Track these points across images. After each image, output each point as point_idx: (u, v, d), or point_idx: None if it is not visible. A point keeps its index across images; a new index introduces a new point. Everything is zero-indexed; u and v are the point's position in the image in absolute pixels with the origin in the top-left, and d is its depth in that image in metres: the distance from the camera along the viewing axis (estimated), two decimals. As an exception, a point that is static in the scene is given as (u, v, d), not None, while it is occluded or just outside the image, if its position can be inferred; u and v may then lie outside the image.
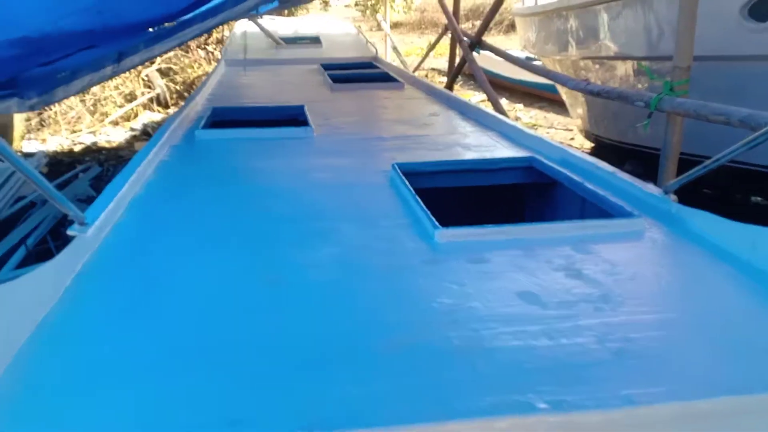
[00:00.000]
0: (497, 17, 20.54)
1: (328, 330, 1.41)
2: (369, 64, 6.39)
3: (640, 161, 5.80)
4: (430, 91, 4.73)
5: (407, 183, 2.34)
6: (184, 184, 2.52)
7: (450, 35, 6.97)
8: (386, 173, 2.59)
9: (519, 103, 11.40)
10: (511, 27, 18.59)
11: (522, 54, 9.31)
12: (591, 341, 1.32)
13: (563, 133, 9.21)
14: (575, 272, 1.66)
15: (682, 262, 1.75)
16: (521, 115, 10.53)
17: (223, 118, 3.90)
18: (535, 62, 7.67)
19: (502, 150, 2.95)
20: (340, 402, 1.15)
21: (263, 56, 6.95)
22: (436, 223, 1.94)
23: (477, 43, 5.78)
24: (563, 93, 7.95)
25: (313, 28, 9.00)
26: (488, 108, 4.42)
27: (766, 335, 1.36)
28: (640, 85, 5.19)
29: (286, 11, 15.91)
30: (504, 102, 11.57)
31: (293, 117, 3.90)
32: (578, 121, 7.70)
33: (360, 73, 5.66)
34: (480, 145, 3.07)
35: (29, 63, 2.67)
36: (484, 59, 12.46)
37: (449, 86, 6.55)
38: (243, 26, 8.58)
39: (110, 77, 3.58)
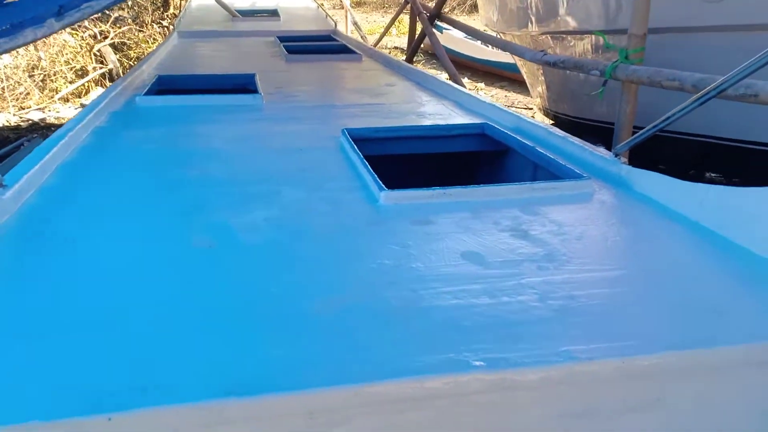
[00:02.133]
0: (460, -3, 20.42)
1: (259, 292, 1.33)
2: (327, 37, 6.26)
3: (597, 137, 5.80)
4: (388, 63, 4.64)
5: (356, 147, 2.26)
6: (119, 150, 2.39)
7: (410, 10, 6.87)
8: (336, 139, 2.50)
9: (480, 82, 11.37)
10: (474, 7, 18.49)
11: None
12: (533, 299, 1.27)
13: (524, 112, 9.22)
14: (521, 233, 1.60)
15: (630, 222, 1.71)
16: (483, 93, 10.51)
17: (169, 86, 3.74)
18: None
19: (456, 118, 2.88)
20: (263, 364, 1.07)
21: (218, 28, 6.76)
22: (382, 185, 1.86)
23: (436, 16, 5.69)
24: (524, 71, 7.92)
25: (272, 1, 8.80)
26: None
27: (708, 292, 1.32)
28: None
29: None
30: (466, 81, 11.52)
31: (243, 86, 3.77)
32: (538, 99, 7.69)
33: (317, 45, 5.54)
34: (435, 113, 3.00)
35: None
36: (446, 38, 12.44)
37: (409, 60, 6.44)
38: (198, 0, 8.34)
39: (51, 33, 3.40)
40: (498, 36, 7.93)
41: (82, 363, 1.07)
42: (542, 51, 3.75)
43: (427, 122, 2.82)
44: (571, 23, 5.44)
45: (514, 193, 1.86)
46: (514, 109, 9.28)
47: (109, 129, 2.68)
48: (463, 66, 12.42)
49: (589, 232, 1.61)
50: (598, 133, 5.67)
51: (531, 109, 8.94)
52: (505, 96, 10.43)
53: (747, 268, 1.43)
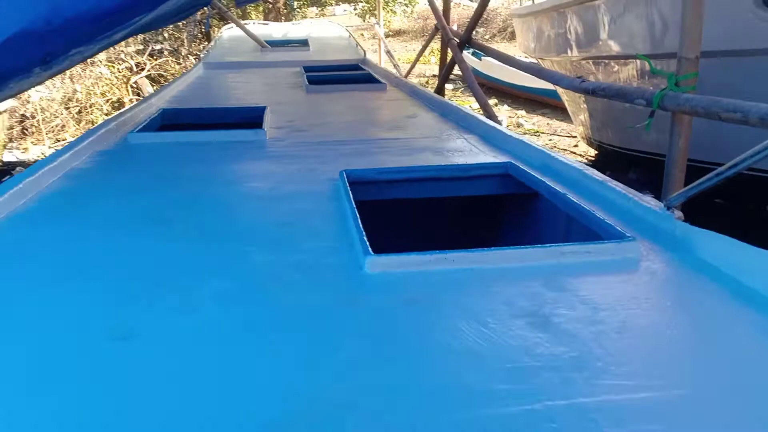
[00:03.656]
0: (501, 24, 20.15)
1: (177, 409, 0.97)
2: (355, 66, 5.98)
3: (646, 169, 5.34)
4: (414, 93, 4.31)
5: (350, 194, 1.90)
6: (82, 199, 2.07)
7: (440, 37, 6.56)
8: (334, 182, 2.15)
9: (521, 109, 10.96)
10: (515, 34, 18.10)
11: (525, 60, 8.88)
12: None
13: (567, 140, 8.77)
14: (541, 321, 1.20)
15: (691, 305, 1.29)
16: (523, 121, 10.09)
17: (171, 120, 3.48)
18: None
19: (479, 155, 2.50)
20: None
21: (245, 59, 6.58)
22: (368, 247, 1.49)
23: (466, 42, 5.35)
24: (565, 99, 7.50)
25: (304, 32, 8.64)
26: (478, 113, 3.99)
27: None
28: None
29: (283, 17, 15.58)
30: (505, 108, 11.12)
31: (251, 119, 3.47)
32: (580, 128, 7.25)
33: (341, 75, 5.26)
34: (454, 150, 2.63)
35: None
36: (486, 65, 12.10)
37: (440, 88, 6.10)
38: (231, 31, 8.24)
39: (38, 83, 3.18)
40: (537, 62, 7.56)
41: None
42: (580, 77, 3.36)
43: (444, 160, 2.45)
44: (614, 47, 5.03)
45: (535, 259, 1.46)
46: (556, 137, 8.89)
47: (83, 173, 2.38)
48: (504, 93, 12.05)
49: (635, 321, 1.19)
50: (648, 165, 5.20)
51: (575, 137, 8.49)
52: (547, 124, 10.00)
53: None
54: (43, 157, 8.79)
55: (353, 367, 1.07)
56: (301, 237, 1.67)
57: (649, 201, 1.69)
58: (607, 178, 1.93)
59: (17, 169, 7.76)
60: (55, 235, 1.73)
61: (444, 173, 2.26)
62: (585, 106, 6.45)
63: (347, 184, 2.01)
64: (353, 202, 1.82)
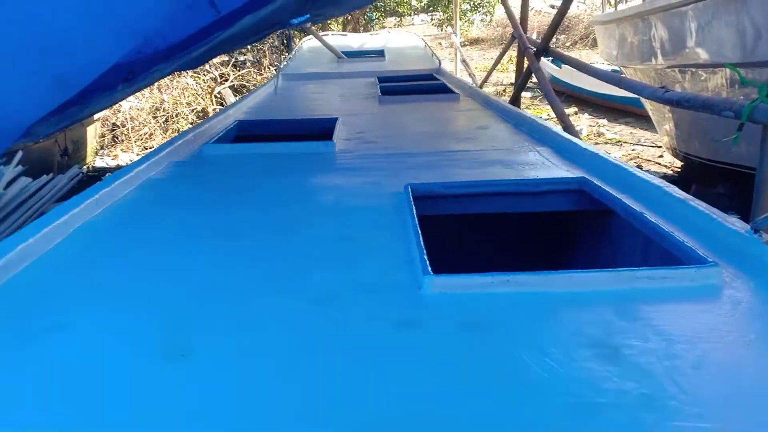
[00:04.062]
0: (583, 30, 19.64)
1: (229, 428, 0.96)
2: (428, 76, 5.95)
3: (735, 184, 5.04)
4: (487, 103, 4.23)
5: (413, 208, 1.87)
6: (153, 210, 2.12)
7: (517, 46, 6.44)
8: (400, 196, 2.12)
9: (603, 118, 10.62)
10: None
11: (607, 68, 8.60)
12: None
13: (651, 150, 8.42)
14: (610, 352, 1.12)
15: None
16: (605, 131, 9.77)
17: (247, 132, 3.56)
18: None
19: (551, 169, 2.42)
20: None
21: (322, 70, 6.68)
22: (428, 267, 1.44)
23: (543, 51, 5.22)
24: (648, 107, 7.20)
25: (381, 42, 8.71)
26: (553, 124, 3.88)
27: None
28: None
29: (361, 28, 15.79)
30: (586, 117, 10.80)
31: (323, 131, 3.50)
32: (665, 138, 6.93)
33: (414, 85, 5.25)
34: (525, 163, 2.55)
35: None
36: (566, 73, 11.80)
37: (516, 98, 5.98)
38: (310, 42, 8.40)
39: (121, 99, 3.34)
40: (620, 70, 7.29)
41: None
42: (663, 87, 3.19)
43: (515, 174, 2.37)
44: (702, 55, 4.78)
45: (606, 284, 1.37)
46: (640, 147, 8.55)
47: (157, 183, 2.45)
48: (585, 102, 11.71)
49: (715, 356, 1.10)
50: (737, 178, 4.91)
51: (659, 147, 8.15)
52: (630, 133, 9.65)
53: None
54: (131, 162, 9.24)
55: (406, 392, 1.04)
56: (361, 253, 1.65)
57: (734, 222, 1.57)
58: (689, 196, 1.82)
59: (106, 175, 8.16)
60: (122, 246, 1.78)
61: (513, 188, 2.19)
62: (670, 115, 6.17)
63: (411, 199, 1.98)
64: (416, 218, 1.79)
